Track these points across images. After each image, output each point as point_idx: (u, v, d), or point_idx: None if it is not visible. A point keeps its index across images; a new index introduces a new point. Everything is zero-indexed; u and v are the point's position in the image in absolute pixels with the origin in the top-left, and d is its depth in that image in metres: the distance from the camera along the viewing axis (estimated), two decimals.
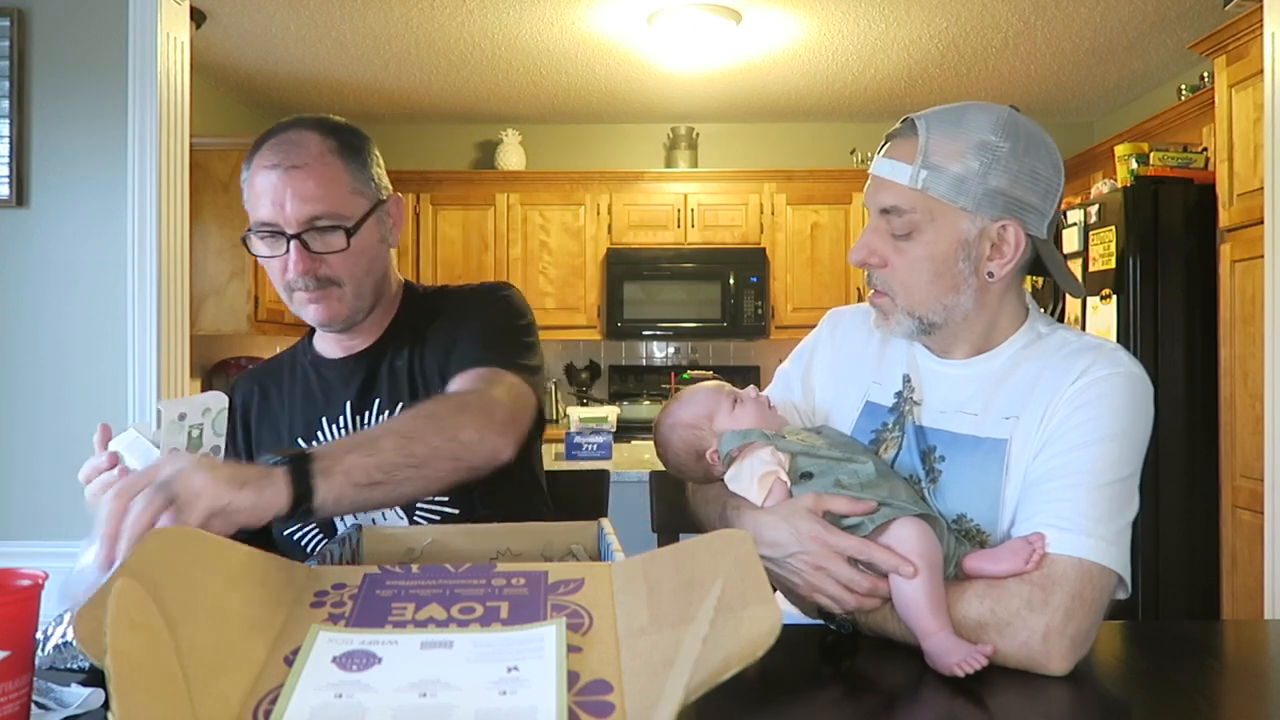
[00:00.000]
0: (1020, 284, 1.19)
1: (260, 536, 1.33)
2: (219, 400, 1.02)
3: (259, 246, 1.25)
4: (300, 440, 1.34)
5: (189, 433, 1.00)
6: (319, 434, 1.34)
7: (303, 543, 1.33)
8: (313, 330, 1.43)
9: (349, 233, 1.24)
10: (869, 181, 1.17)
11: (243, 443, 1.42)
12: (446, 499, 1.29)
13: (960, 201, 1.09)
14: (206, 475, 0.87)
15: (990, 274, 1.12)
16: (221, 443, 1.03)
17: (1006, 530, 1.09)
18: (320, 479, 0.95)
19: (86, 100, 2.61)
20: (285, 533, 1.33)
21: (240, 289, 3.94)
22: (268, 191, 1.22)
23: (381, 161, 1.34)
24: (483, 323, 1.33)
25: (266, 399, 1.42)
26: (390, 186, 1.35)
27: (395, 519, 1.29)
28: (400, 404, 1.31)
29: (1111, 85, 4.50)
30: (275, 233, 1.23)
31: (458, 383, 1.23)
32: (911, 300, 1.14)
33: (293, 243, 1.22)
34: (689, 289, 4.87)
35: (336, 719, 0.61)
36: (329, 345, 1.40)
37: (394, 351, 1.35)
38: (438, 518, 1.30)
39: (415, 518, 1.30)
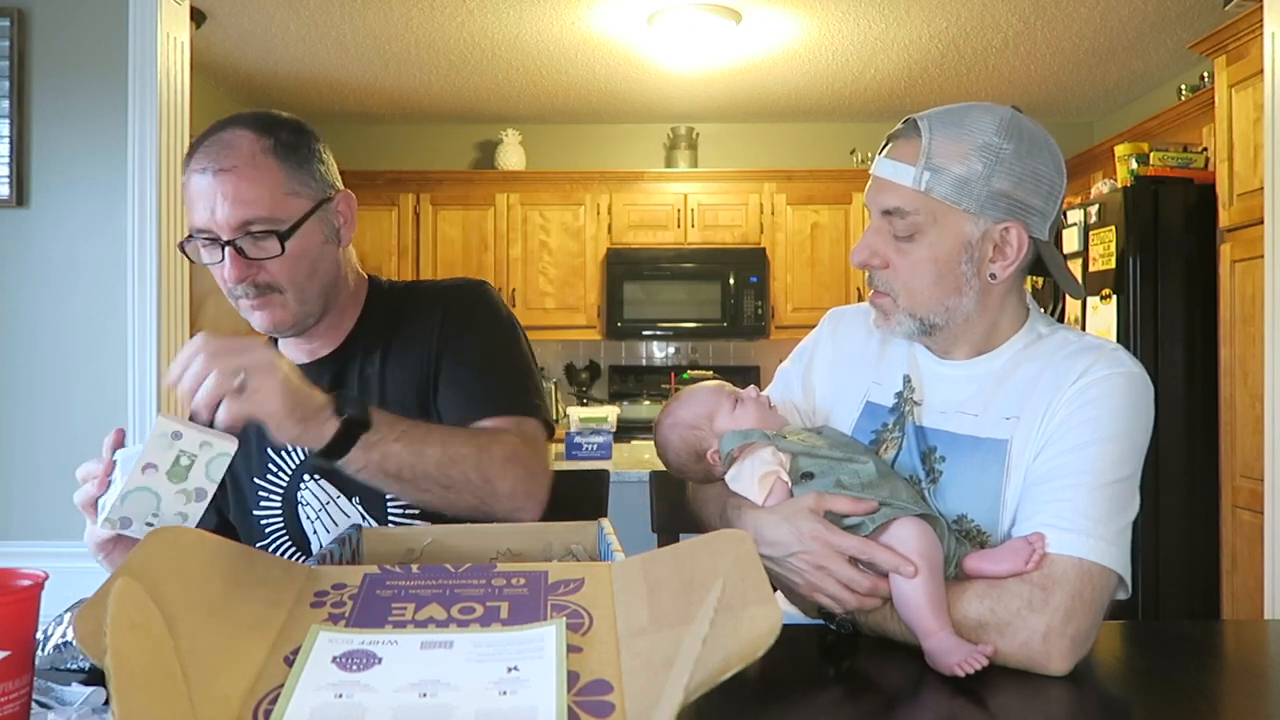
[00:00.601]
0: (1021, 285, 1.19)
1: (220, 519, 1.35)
2: (225, 444, 0.91)
3: (199, 254, 1.20)
4: (269, 450, 1.30)
5: (177, 458, 0.89)
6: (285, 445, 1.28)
7: (265, 527, 1.31)
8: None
9: (282, 238, 1.17)
10: (870, 182, 1.16)
11: None
12: (417, 512, 1.26)
13: (963, 203, 1.09)
14: (281, 388, 0.96)
15: (993, 275, 1.12)
16: (210, 490, 0.91)
17: (1007, 530, 1.09)
18: (359, 449, 1.04)
19: (86, 100, 2.61)
20: (260, 545, 1.30)
21: None
22: (200, 196, 1.17)
23: (328, 157, 1.27)
24: (487, 354, 1.29)
25: None
26: (338, 182, 1.28)
27: (358, 517, 1.26)
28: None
29: (1111, 85, 4.50)
30: (212, 239, 1.18)
31: (490, 423, 1.22)
32: (913, 302, 1.13)
33: (227, 249, 1.16)
34: (689, 289, 4.87)
35: (336, 719, 0.61)
36: (290, 349, 1.33)
37: (364, 357, 1.31)
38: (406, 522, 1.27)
39: (389, 521, 1.27)
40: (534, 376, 1.32)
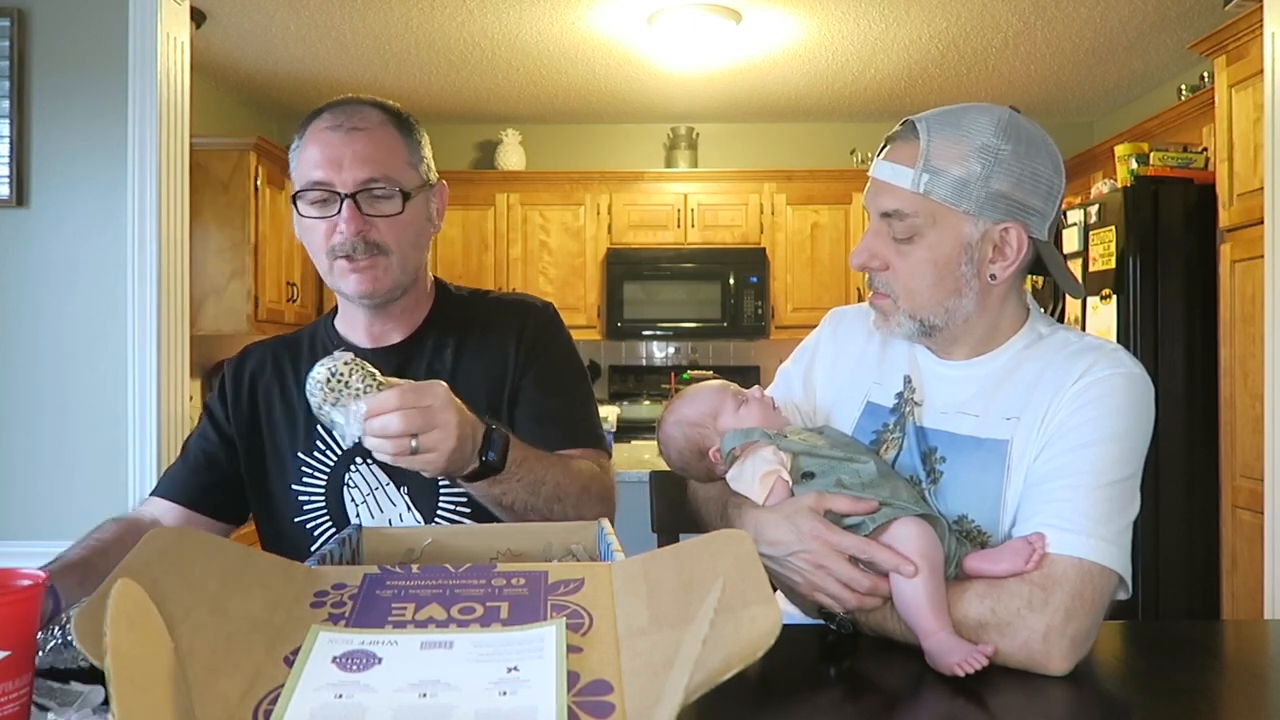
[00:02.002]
0: (1021, 285, 1.19)
1: (269, 524, 1.35)
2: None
3: (308, 209, 1.24)
4: (319, 426, 1.30)
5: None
6: None
7: (304, 504, 1.31)
8: (332, 313, 1.40)
9: (406, 196, 1.24)
10: (869, 184, 1.16)
11: (248, 413, 1.37)
12: (469, 510, 1.28)
13: (963, 205, 1.09)
14: (447, 456, 1.03)
15: (992, 276, 1.12)
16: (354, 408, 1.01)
17: (1007, 531, 1.09)
18: (486, 484, 1.12)
19: (86, 100, 2.61)
20: (297, 520, 1.31)
21: (240, 289, 3.94)
22: (325, 151, 1.23)
23: (430, 149, 1.35)
24: (569, 383, 1.37)
25: (280, 375, 1.37)
26: (438, 175, 1.35)
27: (412, 521, 1.28)
28: None
29: (1111, 85, 4.50)
30: (327, 194, 1.22)
31: (574, 453, 1.30)
32: (914, 303, 1.13)
33: (346, 202, 1.21)
34: (689, 289, 4.87)
35: (336, 719, 0.61)
36: (356, 333, 1.35)
37: (434, 352, 1.33)
38: (457, 518, 1.29)
39: (438, 515, 1.29)
40: (596, 404, 1.41)
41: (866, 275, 1.18)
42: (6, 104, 2.58)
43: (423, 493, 1.28)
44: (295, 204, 1.26)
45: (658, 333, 4.94)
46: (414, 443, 1.00)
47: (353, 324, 1.36)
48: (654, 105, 4.88)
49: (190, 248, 2.83)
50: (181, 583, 0.69)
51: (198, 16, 3.51)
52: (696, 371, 5.04)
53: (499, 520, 1.19)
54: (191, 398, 4.04)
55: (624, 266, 4.85)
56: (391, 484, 1.29)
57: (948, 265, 1.11)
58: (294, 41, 3.90)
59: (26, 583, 0.77)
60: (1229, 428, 3.06)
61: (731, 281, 4.83)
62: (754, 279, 4.83)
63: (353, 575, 0.80)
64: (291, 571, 0.80)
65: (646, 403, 4.99)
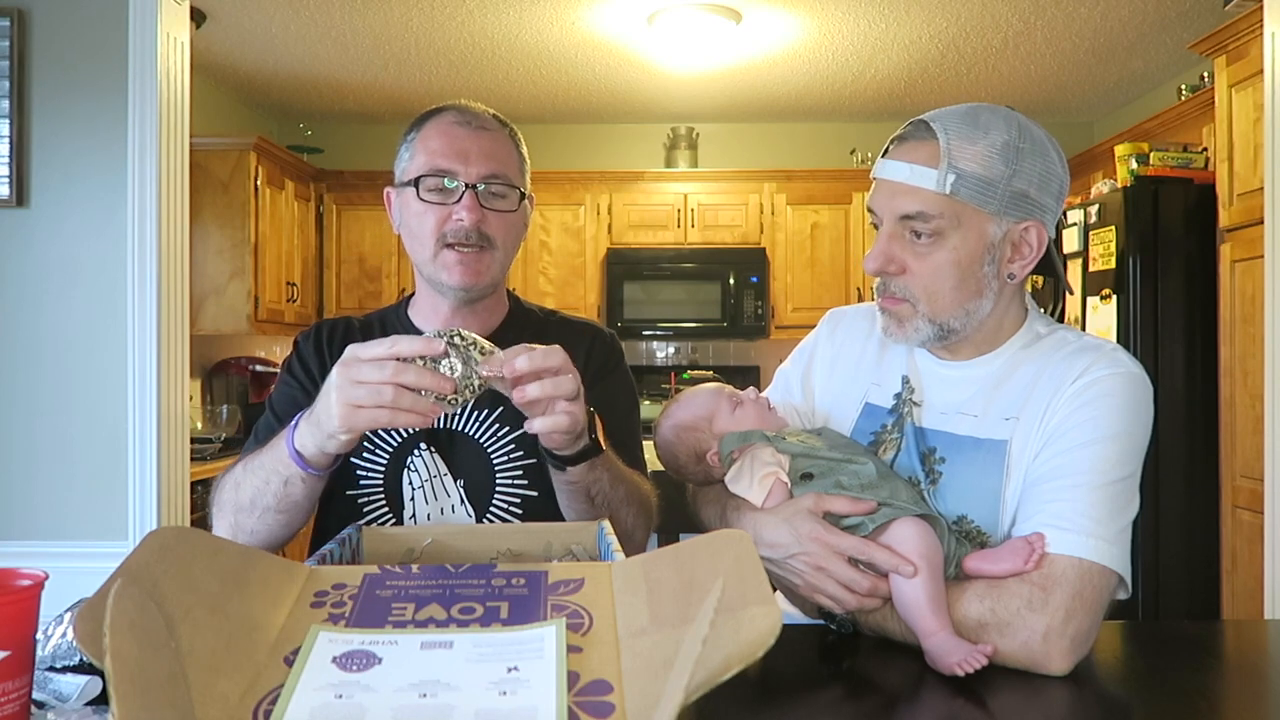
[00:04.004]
0: (1022, 285, 1.19)
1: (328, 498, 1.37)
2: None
3: (428, 194, 1.28)
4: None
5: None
6: None
7: (359, 479, 1.32)
8: (405, 302, 1.43)
9: (521, 196, 1.33)
10: (877, 186, 1.14)
11: (320, 378, 1.38)
12: (526, 495, 1.32)
13: (988, 205, 1.08)
14: (575, 421, 1.05)
15: (1011, 276, 1.12)
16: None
17: (1007, 531, 1.09)
18: (584, 468, 1.14)
19: (86, 100, 2.61)
20: (349, 493, 1.32)
21: (240, 289, 3.94)
22: (452, 142, 1.28)
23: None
24: (628, 409, 1.43)
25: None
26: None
27: (464, 514, 1.31)
28: (501, 407, 1.32)
29: (1111, 85, 4.50)
30: (450, 182, 1.28)
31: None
32: (935, 307, 1.12)
33: (468, 192, 1.27)
34: (689, 289, 4.87)
35: (336, 719, 0.61)
36: (434, 325, 1.37)
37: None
38: (508, 517, 1.31)
39: (488, 515, 1.31)
40: (642, 435, 1.46)
41: (876, 281, 1.15)
42: (6, 104, 2.58)
43: (478, 490, 1.31)
44: (412, 188, 1.29)
45: (658, 333, 4.94)
46: (558, 406, 1.03)
47: (432, 316, 1.38)
48: (654, 105, 4.88)
49: (190, 248, 2.83)
50: (181, 583, 0.69)
51: (198, 16, 3.51)
52: (696, 372, 5.04)
53: (558, 520, 1.22)
54: (191, 398, 4.04)
55: (624, 266, 4.85)
56: (449, 475, 1.31)
57: (971, 266, 1.10)
58: (294, 41, 3.90)
59: (26, 583, 0.77)
60: (1229, 428, 3.06)
61: (731, 281, 4.83)
62: (754, 279, 4.83)
63: (353, 575, 0.80)
64: (291, 571, 0.79)
65: (647, 403, 4.99)
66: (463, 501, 1.30)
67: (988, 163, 1.07)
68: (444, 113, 1.33)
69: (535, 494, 1.31)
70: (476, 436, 1.32)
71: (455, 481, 1.31)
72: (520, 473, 1.31)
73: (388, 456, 1.32)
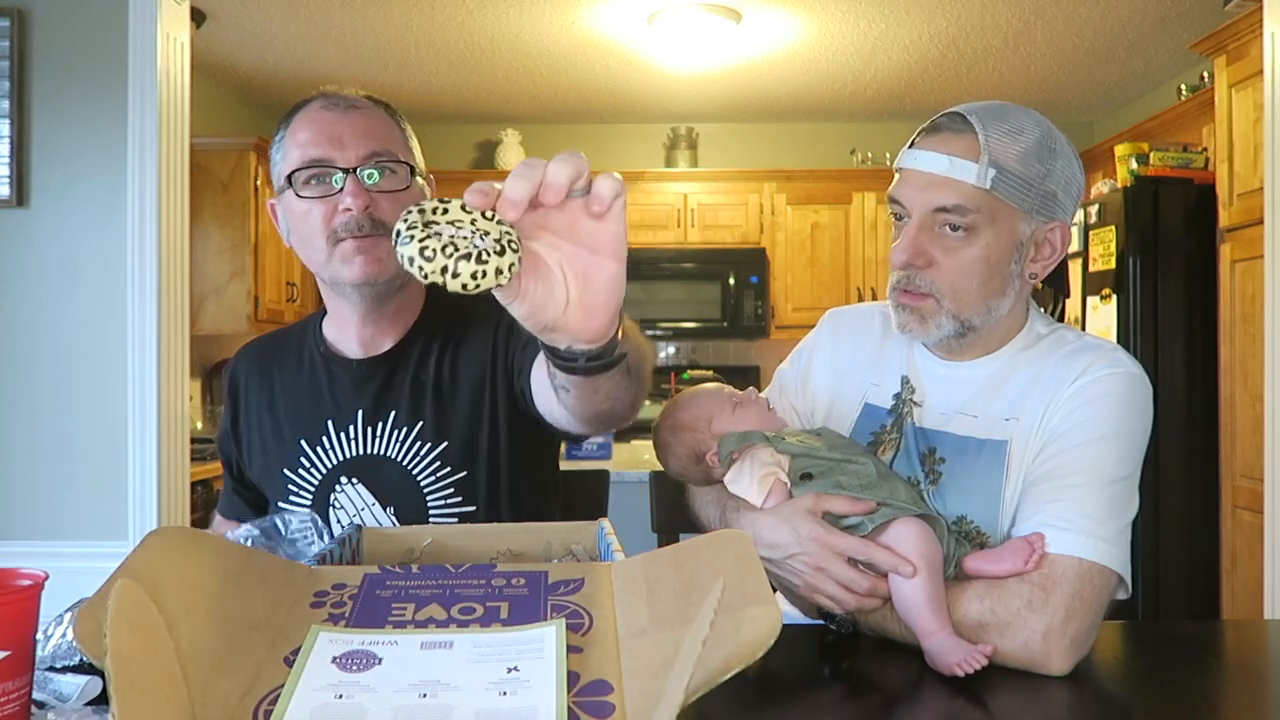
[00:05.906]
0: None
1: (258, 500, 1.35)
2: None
3: (305, 190, 1.17)
4: (303, 443, 1.28)
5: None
6: (324, 438, 1.27)
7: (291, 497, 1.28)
8: (321, 314, 1.35)
9: (412, 171, 1.21)
10: (907, 178, 1.11)
11: (229, 422, 1.36)
12: (464, 511, 1.25)
13: (1023, 203, 1.08)
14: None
15: (1032, 275, 1.13)
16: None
17: (1006, 532, 1.09)
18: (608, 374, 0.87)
19: (86, 100, 2.61)
20: (281, 505, 1.28)
21: (240, 289, 3.94)
22: (322, 128, 1.17)
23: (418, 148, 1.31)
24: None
25: (267, 380, 1.34)
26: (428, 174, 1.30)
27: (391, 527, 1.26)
28: (420, 422, 1.24)
29: (1111, 85, 4.50)
30: (325, 171, 1.17)
31: None
32: (959, 303, 1.11)
33: (349, 177, 1.16)
34: (689, 289, 4.87)
35: (336, 719, 0.61)
36: (347, 340, 1.29)
37: (419, 362, 1.27)
38: (455, 519, 1.25)
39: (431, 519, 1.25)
40: None
41: (894, 276, 1.13)
42: (6, 104, 2.58)
43: (409, 515, 1.24)
44: (288, 190, 1.19)
45: (658, 333, 4.94)
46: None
47: (343, 328, 1.29)
48: (654, 105, 4.88)
49: (190, 248, 2.83)
50: (181, 583, 0.69)
51: (198, 16, 3.51)
52: (697, 372, 5.04)
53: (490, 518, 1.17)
54: (191, 398, 4.04)
55: None
56: (378, 504, 1.25)
57: (998, 264, 1.10)
58: (294, 41, 3.90)
59: (26, 583, 0.77)
60: (1229, 428, 3.07)
61: (731, 281, 4.83)
62: (754, 279, 4.83)
63: (353, 575, 0.80)
64: (291, 571, 0.79)
65: (646, 403, 4.98)
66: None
67: (1024, 161, 1.07)
68: (310, 102, 1.21)
69: (473, 508, 1.25)
70: (398, 459, 1.25)
71: (385, 509, 1.25)
72: (451, 490, 1.25)
73: (311, 494, 1.27)
